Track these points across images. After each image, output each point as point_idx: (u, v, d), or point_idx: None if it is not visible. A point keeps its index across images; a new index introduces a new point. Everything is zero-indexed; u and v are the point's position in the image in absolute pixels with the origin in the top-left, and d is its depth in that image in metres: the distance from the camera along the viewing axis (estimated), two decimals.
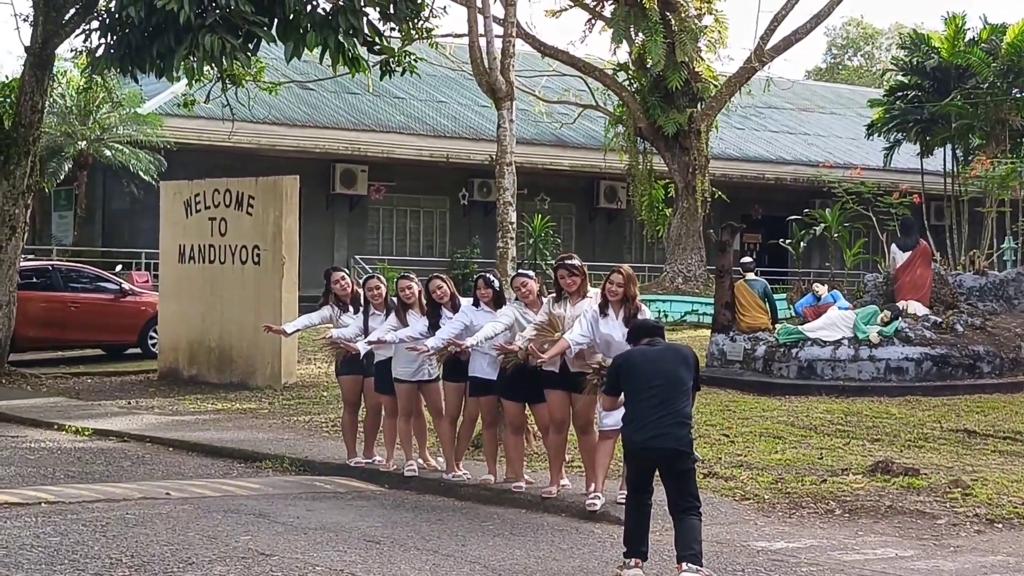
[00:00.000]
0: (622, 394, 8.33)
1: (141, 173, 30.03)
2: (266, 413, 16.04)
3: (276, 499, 10.68)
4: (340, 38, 17.26)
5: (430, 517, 9.96)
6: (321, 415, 15.57)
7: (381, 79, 20.25)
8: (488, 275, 11.08)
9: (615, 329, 9.58)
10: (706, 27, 30.25)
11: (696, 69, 29.66)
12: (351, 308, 11.84)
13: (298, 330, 12.82)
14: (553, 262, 10.49)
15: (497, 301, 10.82)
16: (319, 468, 12.20)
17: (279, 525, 9.46)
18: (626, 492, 8.56)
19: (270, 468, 12.39)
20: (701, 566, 7.76)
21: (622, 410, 9.04)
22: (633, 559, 7.99)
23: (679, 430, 7.95)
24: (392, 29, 19.10)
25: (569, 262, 10.17)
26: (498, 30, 15.80)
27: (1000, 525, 9.52)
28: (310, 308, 28.23)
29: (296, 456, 12.59)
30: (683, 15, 29.26)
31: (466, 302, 11.08)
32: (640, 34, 29.46)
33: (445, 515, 10.06)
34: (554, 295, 10.24)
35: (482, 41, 15.01)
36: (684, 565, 7.71)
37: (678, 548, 7.85)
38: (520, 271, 11.02)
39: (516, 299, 10.57)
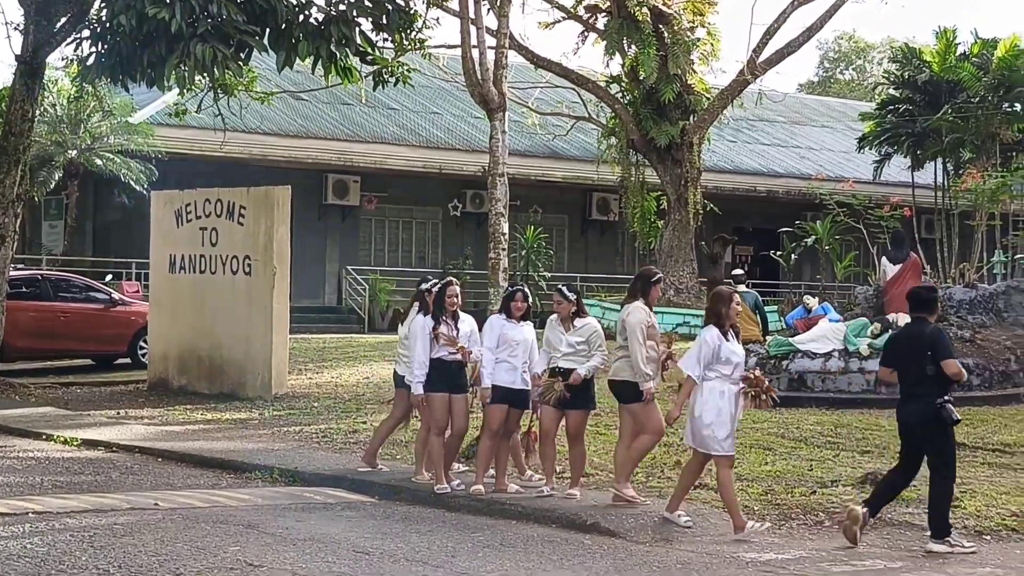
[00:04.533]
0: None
1: (132, 183, 29.99)
2: (256, 424, 15.99)
3: (265, 510, 10.65)
4: (332, 48, 17.28)
5: (420, 528, 9.93)
6: (311, 426, 15.52)
7: (374, 89, 20.27)
8: (564, 287, 11.10)
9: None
10: (699, 40, 30.30)
11: (689, 82, 29.70)
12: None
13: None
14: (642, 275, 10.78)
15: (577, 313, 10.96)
16: (309, 479, 12.16)
17: (268, 536, 9.43)
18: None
19: (260, 479, 12.35)
20: (943, 537, 9.05)
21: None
22: (862, 508, 9.34)
23: (916, 403, 9.26)
24: (385, 40, 19.12)
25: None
26: (491, 41, 15.85)
27: (989, 537, 9.53)
28: (302, 319, 28.12)
29: (286, 467, 12.53)
30: (676, 28, 29.30)
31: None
32: (633, 46, 29.51)
33: (435, 526, 10.04)
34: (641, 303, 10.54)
35: (475, 52, 15.03)
36: (930, 541, 9.09)
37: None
38: (558, 287, 11.16)
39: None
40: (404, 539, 9.46)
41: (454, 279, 11.60)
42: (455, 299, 11.22)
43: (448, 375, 11.14)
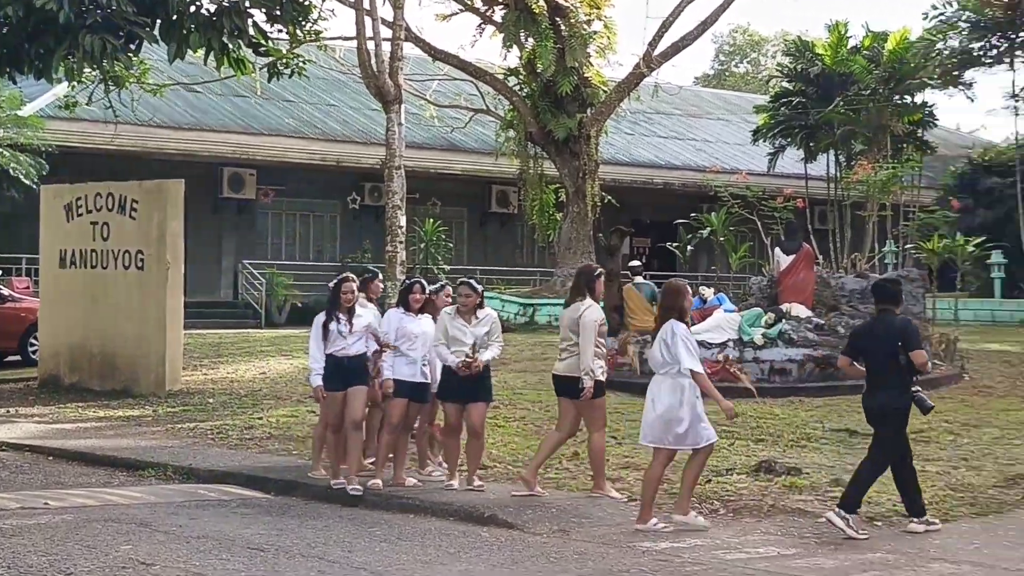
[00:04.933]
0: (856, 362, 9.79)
1: (21, 177, 29.23)
2: (150, 420, 15.76)
3: (158, 508, 10.50)
4: (225, 39, 17.05)
5: (316, 524, 9.86)
6: (206, 422, 15.32)
7: (268, 81, 20.07)
8: (472, 281, 11.12)
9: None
10: (595, 33, 30.48)
11: (586, 74, 29.87)
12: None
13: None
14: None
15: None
16: (203, 476, 12.00)
17: (161, 534, 9.30)
18: None
19: (153, 476, 12.17)
20: (849, 513, 9.16)
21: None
22: (910, 521, 9.50)
23: (888, 392, 9.41)
24: (280, 31, 18.93)
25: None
26: (387, 33, 15.79)
27: (879, 523, 9.71)
28: (197, 314, 27.65)
29: (180, 464, 12.37)
30: (573, 21, 29.44)
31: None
32: (530, 39, 29.60)
33: (331, 522, 9.97)
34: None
35: (370, 44, 15.00)
36: (833, 510, 9.32)
37: None
38: (466, 280, 11.11)
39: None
40: (299, 535, 9.38)
41: (351, 275, 11.51)
42: (350, 295, 11.15)
43: (341, 371, 11.04)
